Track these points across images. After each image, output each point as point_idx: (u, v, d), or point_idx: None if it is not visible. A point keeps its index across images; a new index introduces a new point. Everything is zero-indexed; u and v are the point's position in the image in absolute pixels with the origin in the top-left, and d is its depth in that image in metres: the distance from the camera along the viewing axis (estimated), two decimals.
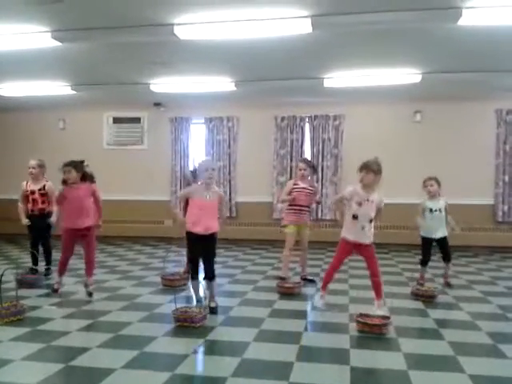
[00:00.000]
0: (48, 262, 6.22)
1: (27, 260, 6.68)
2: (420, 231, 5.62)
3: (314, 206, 6.47)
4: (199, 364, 3.41)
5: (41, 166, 6.13)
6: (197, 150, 9.89)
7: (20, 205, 6.15)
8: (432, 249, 5.60)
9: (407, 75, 7.01)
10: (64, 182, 4.93)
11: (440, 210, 5.45)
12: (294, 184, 5.77)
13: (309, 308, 4.70)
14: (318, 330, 4.06)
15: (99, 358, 3.34)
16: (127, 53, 6.15)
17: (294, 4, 4.45)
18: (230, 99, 8.96)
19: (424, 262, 5.61)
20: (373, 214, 4.25)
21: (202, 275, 4.57)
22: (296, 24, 4.82)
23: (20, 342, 3.64)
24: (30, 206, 6.09)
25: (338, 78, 7.25)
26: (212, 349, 3.65)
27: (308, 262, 6.05)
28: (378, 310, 4.17)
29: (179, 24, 4.92)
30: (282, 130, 9.41)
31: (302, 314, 4.46)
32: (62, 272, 5.18)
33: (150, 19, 4.85)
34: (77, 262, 6.10)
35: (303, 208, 5.69)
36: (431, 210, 5.47)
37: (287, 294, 5.15)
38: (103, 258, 7.53)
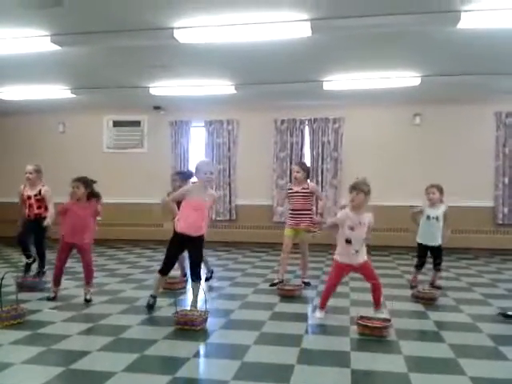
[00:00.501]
0: (42, 265, 6.20)
1: (25, 261, 6.67)
2: (416, 236, 5.64)
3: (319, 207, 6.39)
4: (200, 367, 3.41)
5: (37, 171, 6.10)
6: (197, 153, 9.90)
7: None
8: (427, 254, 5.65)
9: (407, 78, 7.03)
10: (71, 196, 4.94)
11: (437, 219, 5.45)
12: (289, 189, 5.81)
13: (309, 311, 4.69)
14: (319, 332, 4.06)
15: (99, 362, 3.33)
16: (127, 56, 6.16)
17: (293, 8, 4.46)
18: (229, 102, 8.97)
19: (418, 266, 5.66)
20: (365, 236, 4.23)
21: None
22: (296, 27, 4.83)
23: (20, 346, 3.64)
24: (26, 211, 6.09)
25: (337, 81, 7.26)
26: (213, 352, 3.65)
27: (309, 265, 6.04)
28: (377, 313, 4.17)
29: (179, 28, 4.93)
30: (281, 133, 9.42)
31: (302, 317, 4.45)
32: (56, 282, 5.09)
33: (149, 23, 4.86)
34: (76, 266, 6.09)
35: (300, 212, 5.65)
36: (428, 217, 5.48)
37: (288, 296, 5.15)
38: (103, 261, 7.53)
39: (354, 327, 3.97)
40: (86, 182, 4.93)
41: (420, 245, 5.62)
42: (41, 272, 6.14)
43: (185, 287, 5.59)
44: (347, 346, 3.63)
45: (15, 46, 5.40)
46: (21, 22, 4.81)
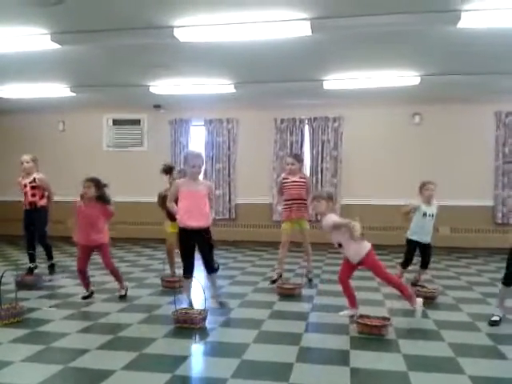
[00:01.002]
0: (50, 257, 6.19)
1: (26, 261, 6.67)
2: (408, 233, 5.57)
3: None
4: (199, 365, 3.41)
5: (34, 160, 6.10)
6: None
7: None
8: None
9: (406, 77, 7.03)
10: (81, 196, 4.93)
11: (432, 216, 5.45)
12: (284, 178, 5.77)
13: (309, 309, 4.69)
14: (318, 331, 4.06)
15: (99, 360, 3.34)
16: (127, 55, 6.16)
17: (293, 7, 4.46)
18: (229, 101, 8.97)
19: (405, 265, 5.61)
20: (336, 240, 4.24)
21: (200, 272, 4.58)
22: (295, 27, 4.83)
23: (19, 344, 3.64)
24: (23, 200, 6.08)
25: (337, 80, 7.26)
26: (212, 350, 3.65)
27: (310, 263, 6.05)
28: (418, 309, 4.22)
29: (179, 26, 4.92)
30: (281, 132, 9.42)
31: (302, 316, 4.46)
32: (84, 283, 5.06)
33: (149, 21, 4.85)
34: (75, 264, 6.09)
35: (296, 201, 5.66)
36: (425, 214, 5.43)
37: (287, 295, 5.16)
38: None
39: (354, 326, 3.98)
40: (98, 184, 4.90)
41: (411, 242, 5.53)
42: (51, 265, 6.11)
43: (191, 287, 5.58)
44: (346, 345, 3.64)
45: (15, 45, 5.39)
46: (21, 20, 4.80)
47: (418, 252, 5.60)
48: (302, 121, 9.39)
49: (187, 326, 3.99)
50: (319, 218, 5.51)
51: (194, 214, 4.28)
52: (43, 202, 6.06)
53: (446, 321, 4.32)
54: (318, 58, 6.20)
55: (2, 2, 4.18)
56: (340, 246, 4.25)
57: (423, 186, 5.46)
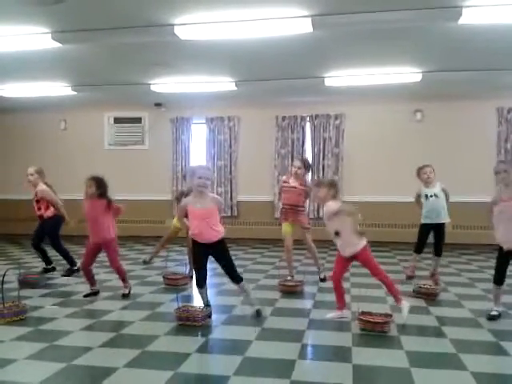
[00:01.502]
0: (71, 262, 6.19)
1: (29, 260, 6.71)
2: (421, 219, 5.65)
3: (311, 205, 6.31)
4: (202, 362, 3.42)
5: (38, 172, 6.06)
6: (198, 149, 9.91)
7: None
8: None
9: (408, 74, 7.02)
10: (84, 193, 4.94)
11: (436, 195, 5.49)
12: (284, 182, 5.70)
13: (311, 306, 4.70)
14: (320, 328, 4.05)
15: (102, 357, 3.35)
16: (128, 53, 6.16)
17: (294, 4, 4.46)
18: (230, 99, 8.97)
19: (418, 249, 5.65)
20: (334, 227, 4.17)
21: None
22: (296, 24, 4.83)
23: (22, 342, 3.66)
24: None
25: (338, 77, 7.25)
26: (214, 347, 3.66)
27: (310, 261, 6.05)
28: (404, 310, 4.11)
29: (180, 24, 4.93)
30: (282, 130, 9.42)
31: (304, 313, 4.46)
32: (89, 280, 5.08)
33: (150, 20, 4.86)
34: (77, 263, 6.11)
35: (291, 207, 5.58)
36: (427, 196, 5.52)
37: (289, 292, 5.16)
38: (105, 257, 7.52)
39: (356, 322, 3.98)
40: (99, 183, 4.90)
41: (422, 226, 5.63)
42: (71, 270, 6.12)
43: (187, 283, 5.59)
44: (349, 342, 3.64)
45: (16, 44, 5.40)
46: (22, 19, 4.81)
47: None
48: (303, 118, 9.39)
49: (189, 323, 4.00)
50: (320, 214, 5.51)
51: (204, 232, 4.15)
52: (50, 213, 6.07)
53: (447, 317, 4.32)
54: (319, 55, 6.20)
55: (3, 1, 4.18)
56: (337, 234, 4.16)
57: (421, 170, 5.58)
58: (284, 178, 5.85)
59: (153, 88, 7.97)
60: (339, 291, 4.33)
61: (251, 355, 3.37)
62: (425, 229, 5.63)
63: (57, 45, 5.44)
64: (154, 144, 9.98)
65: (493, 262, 7.18)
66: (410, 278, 5.62)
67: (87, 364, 3.23)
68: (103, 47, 5.89)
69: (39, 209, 6.07)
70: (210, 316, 4.19)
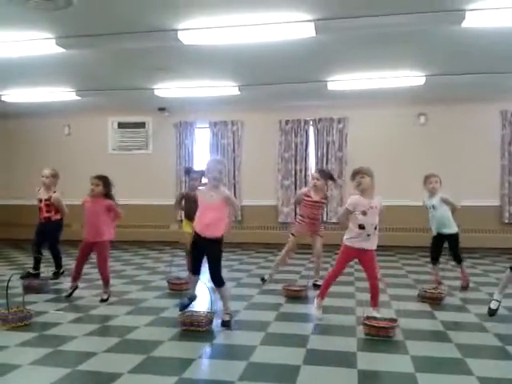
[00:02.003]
0: (58, 265, 6.28)
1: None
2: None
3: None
4: (206, 368, 3.41)
5: (54, 175, 6.15)
6: (201, 154, 9.92)
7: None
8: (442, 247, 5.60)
9: (411, 78, 7.02)
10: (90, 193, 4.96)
11: (433, 207, 5.45)
12: (306, 196, 5.58)
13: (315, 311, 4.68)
14: (325, 333, 4.04)
15: (106, 363, 3.34)
16: (131, 58, 6.18)
17: (297, 8, 4.47)
18: (234, 103, 8.98)
19: (432, 260, 5.62)
20: (377, 221, 4.18)
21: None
22: (299, 28, 4.84)
23: (27, 347, 3.65)
24: (38, 213, 6.16)
25: (341, 81, 7.26)
26: (219, 353, 3.65)
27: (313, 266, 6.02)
28: (376, 314, 4.11)
29: (183, 29, 4.95)
30: (286, 134, 9.43)
31: (308, 317, 4.45)
32: (73, 276, 5.21)
33: (154, 25, 4.88)
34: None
35: (312, 221, 5.62)
36: (427, 207, 5.53)
37: (293, 297, 5.15)
38: (109, 262, 7.52)
39: (361, 327, 3.96)
40: (106, 182, 4.94)
41: (433, 237, 5.60)
42: (58, 273, 6.18)
43: (196, 284, 5.57)
44: (353, 347, 3.62)
45: (20, 49, 5.43)
46: (26, 25, 4.84)
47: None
48: (306, 122, 9.39)
49: (193, 328, 4.00)
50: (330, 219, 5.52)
51: (202, 223, 4.20)
52: (58, 216, 6.18)
53: (453, 322, 4.30)
54: (322, 59, 6.20)
55: (7, 6, 4.21)
56: (375, 228, 4.16)
57: (427, 179, 5.52)
58: (304, 190, 5.76)
59: (156, 93, 8.00)
60: (329, 285, 4.36)
61: (256, 360, 3.36)
62: (434, 240, 5.59)
63: (61, 50, 5.47)
64: (158, 148, 10.00)
65: (499, 266, 7.21)
66: (438, 284, 5.53)
67: (92, 369, 3.22)
68: (107, 52, 5.92)
69: (48, 211, 6.12)
70: (191, 300, 4.26)
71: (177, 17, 4.68)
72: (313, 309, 4.45)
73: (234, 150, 9.66)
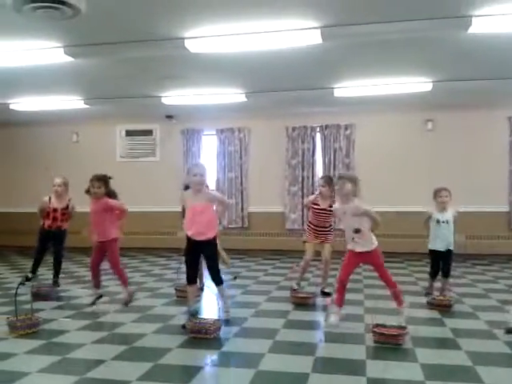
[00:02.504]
0: (56, 272, 6.32)
1: (41, 273, 6.74)
2: (428, 243, 5.48)
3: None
4: (214, 376, 3.40)
5: (65, 183, 6.25)
6: (208, 161, 9.94)
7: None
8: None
9: (418, 84, 7.01)
10: (87, 191, 4.96)
11: (447, 222, 5.34)
12: (314, 204, 5.59)
13: (323, 318, 4.66)
14: (334, 340, 4.01)
15: (114, 370, 3.34)
16: (139, 67, 6.22)
17: (303, 16, 4.48)
18: (241, 110, 9.01)
19: (432, 274, 5.54)
20: (356, 224, 4.19)
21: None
22: (306, 35, 4.85)
23: (35, 355, 3.66)
24: (48, 222, 6.18)
25: (348, 88, 7.26)
26: (227, 360, 3.63)
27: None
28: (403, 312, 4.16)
29: (190, 38, 4.97)
30: (293, 140, 9.43)
31: (316, 325, 4.43)
32: (93, 278, 5.14)
33: (161, 33, 4.91)
34: (87, 274, 6.12)
35: (322, 229, 5.59)
36: (438, 221, 5.33)
37: (301, 304, 5.13)
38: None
39: (370, 335, 3.93)
40: (106, 181, 4.95)
41: (432, 252, 5.46)
42: (56, 281, 6.21)
43: (199, 295, 5.58)
44: (363, 355, 3.60)
45: (29, 58, 5.48)
46: (35, 34, 4.88)
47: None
48: (313, 129, 9.39)
49: (201, 336, 3.98)
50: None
51: (194, 227, 4.31)
52: (67, 225, 6.32)
53: (462, 329, 4.27)
54: (328, 65, 6.21)
55: (16, 16, 4.24)
56: (357, 231, 4.17)
57: (437, 194, 5.37)
58: (313, 197, 5.76)
59: (163, 101, 8.03)
60: (342, 292, 4.30)
61: (264, 368, 3.34)
62: (433, 255, 5.46)
63: (69, 59, 5.51)
64: (165, 156, 10.03)
65: (508, 272, 7.16)
66: (428, 294, 5.50)
67: (100, 377, 3.22)
68: (115, 61, 5.96)
69: (62, 220, 6.21)
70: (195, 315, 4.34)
71: (184, 25, 4.70)
72: (328, 315, 4.35)
73: (240, 157, 9.67)
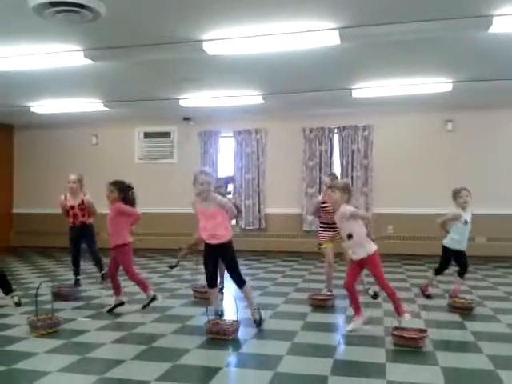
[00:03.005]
0: (101, 268, 6.47)
1: (62, 273, 6.84)
2: (447, 242, 5.40)
3: None
4: (232, 377, 3.40)
5: (80, 180, 6.35)
6: (226, 162, 9.97)
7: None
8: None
9: (438, 84, 6.93)
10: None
11: (466, 222, 5.27)
12: (322, 202, 5.57)
13: (342, 321, 4.63)
14: (353, 343, 3.98)
15: (133, 370, 3.36)
16: (157, 69, 6.27)
17: (321, 17, 4.46)
18: (258, 112, 9.01)
19: (440, 272, 5.47)
20: (347, 231, 4.16)
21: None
22: (324, 36, 4.83)
23: (56, 354, 3.70)
24: (70, 219, 6.32)
25: (366, 89, 7.21)
26: (245, 362, 3.63)
27: (340, 275, 5.96)
28: (404, 319, 4.05)
29: (208, 40, 4.99)
30: (310, 142, 9.40)
31: (335, 327, 4.41)
32: (114, 288, 5.05)
33: (179, 36, 4.93)
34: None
35: (332, 226, 5.42)
36: (466, 222, 5.25)
37: (320, 306, 5.10)
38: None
39: (389, 338, 3.89)
40: (121, 188, 4.97)
41: (450, 251, 5.37)
42: (104, 274, 6.32)
43: (217, 296, 5.58)
44: (382, 358, 3.56)
45: (50, 61, 5.55)
46: (55, 37, 4.95)
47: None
48: (331, 130, 9.35)
49: (219, 337, 3.99)
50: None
51: (208, 232, 4.34)
52: (91, 220, 6.42)
53: (484, 332, 4.20)
54: (346, 66, 6.18)
55: (37, 20, 4.31)
56: (350, 237, 4.15)
57: (457, 193, 5.27)
58: (320, 198, 5.74)
59: (181, 103, 8.08)
60: (355, 298, 4.24)
61: (282, 370, 3.33)
62: (451, 254, 5.38)
63: (89, 62, 5.58)
64: (183, 158, 10.07)
65: None
66: (427, 296, 5.44)
67: (119, 377, 3.25)
68: (133, 64, 6.01)
69: (83, 216, 6.32)
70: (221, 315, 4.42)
71: (201, 28, 4.72)
72: (352, 326, 4.23)
73: (258, 158, 9.67)
